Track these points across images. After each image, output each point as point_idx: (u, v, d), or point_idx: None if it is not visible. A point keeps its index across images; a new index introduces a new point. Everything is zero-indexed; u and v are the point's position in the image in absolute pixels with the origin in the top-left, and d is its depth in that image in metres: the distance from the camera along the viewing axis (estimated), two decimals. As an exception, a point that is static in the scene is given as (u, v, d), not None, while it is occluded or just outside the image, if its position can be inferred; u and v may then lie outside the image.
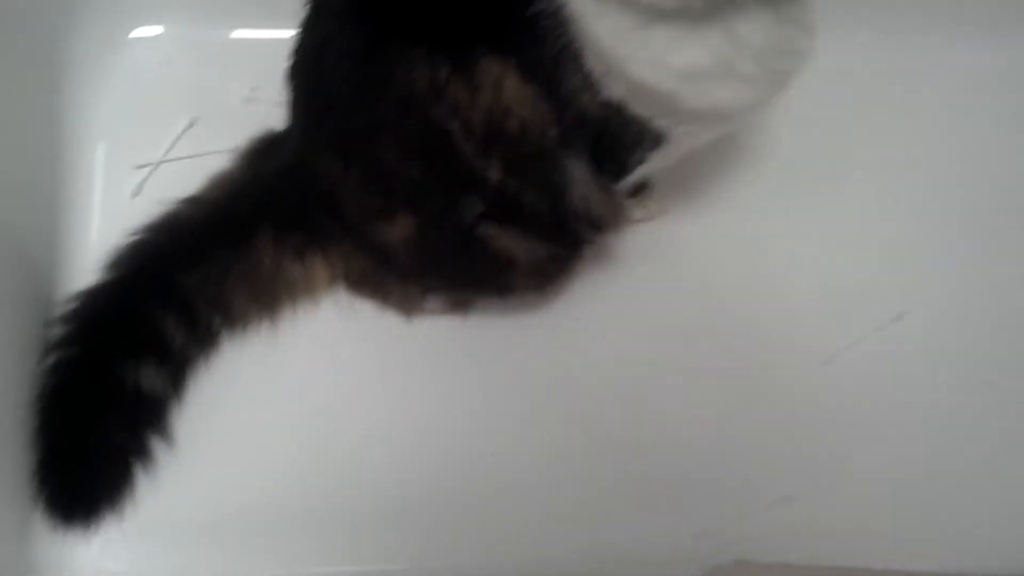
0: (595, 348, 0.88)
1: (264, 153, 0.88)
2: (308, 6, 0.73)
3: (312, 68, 0.74)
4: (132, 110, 0.94)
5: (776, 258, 0.91)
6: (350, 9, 0.69)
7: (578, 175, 0.72)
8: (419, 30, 0.66)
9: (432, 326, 0.88)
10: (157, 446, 0.82)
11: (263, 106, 0.89)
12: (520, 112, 0.67)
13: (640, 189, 0.86)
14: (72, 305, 0.81)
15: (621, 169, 0.75)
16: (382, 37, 0.68)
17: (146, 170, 0.91)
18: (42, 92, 0.90)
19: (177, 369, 0.83)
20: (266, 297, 0.86)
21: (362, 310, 0.88)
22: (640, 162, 0.73)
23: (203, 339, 0.84)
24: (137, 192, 0.90)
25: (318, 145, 0.76)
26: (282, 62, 0.81)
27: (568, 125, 0.68)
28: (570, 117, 0.68)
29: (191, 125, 0.93)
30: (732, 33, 0.60)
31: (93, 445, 0.80)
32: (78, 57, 0.92)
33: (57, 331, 0.80)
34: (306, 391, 0.86)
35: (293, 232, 0.84)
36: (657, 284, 0.90)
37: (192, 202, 0.86)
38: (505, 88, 0.66)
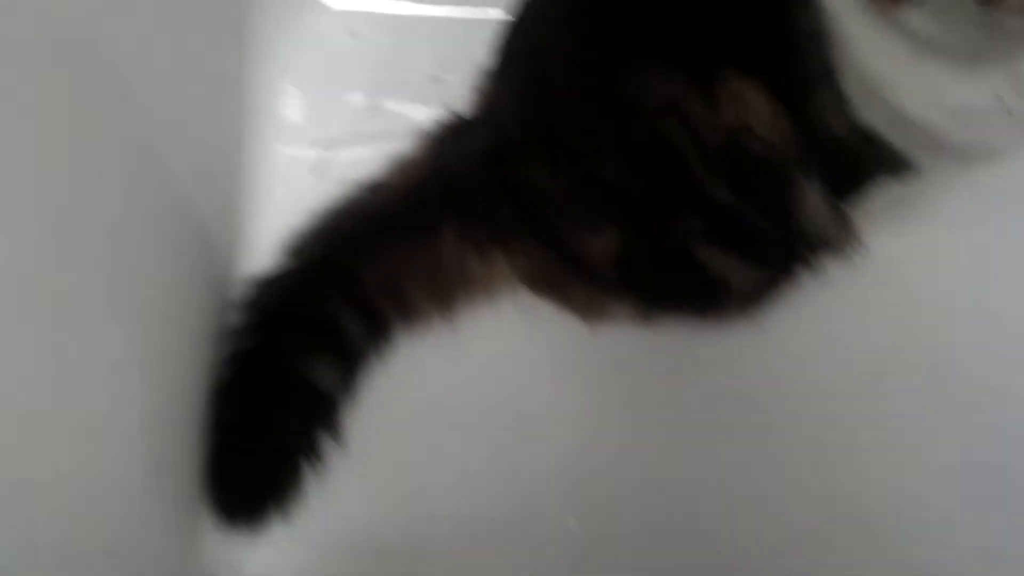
0: (792, 369, 0.87)
1: (451, 139, 0.88)
2: None
3: (530, 59, 0.75)
4: (316, 83, 0.95)
5: (1000, 285, 0.89)
6: (583, 7, 0.70)
7: (810, 195, 0.72)
8: (657, 39, 0.67)
9: (615, 333, 0.87)
10: (328, 447, 0.82)
11: (450, 87, 0.90)
12: (761, 131, 0.67)
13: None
14: (251, 292, 0.84)
15: (855, 190, 0.75)
16: (615, 41, 0.69)
17: (327, 147, 0.94)
18: (229, 57, 0.91)
19: (351, 366, 0.83)
20: (444, 292, 0.86)
21: (541, 311, 0.89)
22: (878, 185, 0.74)
23: (379, 335, 0.84)
24: (317, 170, 0.93)
25: (524, 140, 0.78)
26: (470, 43, 0.83)
27: (810, 146, 0.69)
28: (814, 138, 0.69)
29: (376, 102, 0.95)
30: (1015, 73, 0.60)
31: (265, 444, 0.81)
32: (267, 22, 0.94)
33: (235, 319, 0.84)
34: (480, 395, 0.86)
35: (478, 226, 0.85)
36: (862, 306, 0.89)
37: (375, 188, 0.87)
38: (748, 106, 0.67)
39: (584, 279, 0.85)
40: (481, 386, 0.87)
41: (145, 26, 0.76)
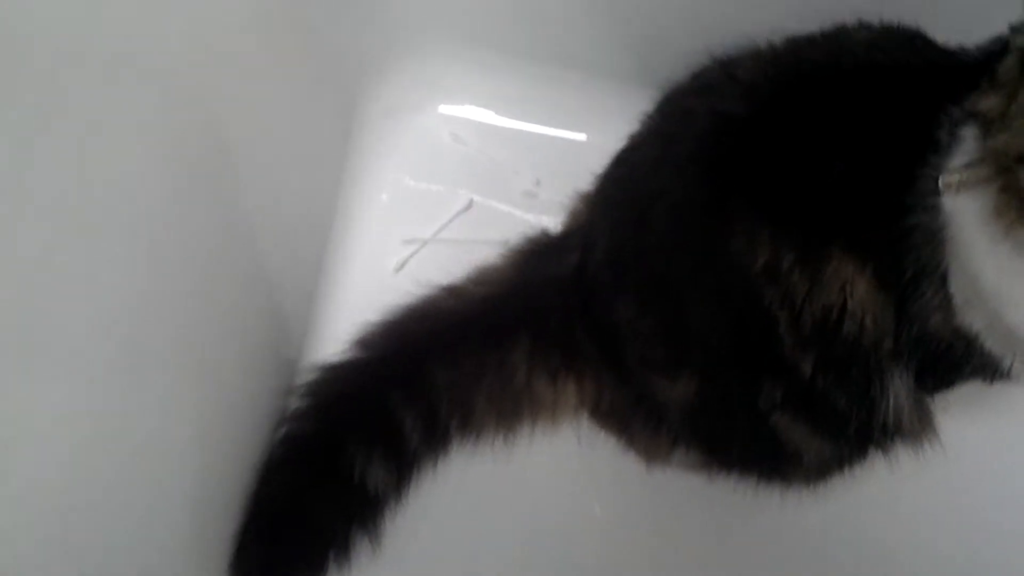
0: (846, 548, 0.86)
1: (537, 256, 0.88)
2: (649, 131, 0.76)
3: (634, 195, 0.76)
4: (413, 183, 0.98)
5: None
6: (700, 158, 0.71)
7: (897, 386, 0.71)
8: (772, 204, 0.67)
9: (673, 479, 0.87)
10: (360, 545, 0.81)
11: (542, 203, 0.92)
12: (861, 317, 0.66)
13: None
14: (315, 377, 0.85)
15: (944, 387, 0.75)
16: (726, 195, 0.69)
17: (413, 246, 0.95)
18: (333, 141, 0.94)
19: (405, 469, 0.83)
20: (509, 411, 0.85)
21: (600, 440, 0.88)
22: (967, 383, 0.73)
23: (437, 442, 0.84)
24: (400, 267, 0.94)
25: (615, 275, 0.78)
26: (565, 162, 0.85)
27: (907, 340, 0.68)
28: (913, 333, 0.68)
29: (468, 208, 0.96)
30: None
31: (298, 529, 0.79)
32: (376, 114, 0.97)
33: (296, 402, 0.84)
34: (529, 518, 0.85)
35: (552, 350, 0.85)
36: (929, 493, 0.88)
37: (454, 293, 0.87)
38: (852, 289, 0.66)
39: (652, 420, 0.84)
40: (528, 508, 0.87)
41: (256, 97, 0.78)
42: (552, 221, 0.88)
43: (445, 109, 1.01)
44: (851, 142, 0.64)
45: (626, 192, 0.75)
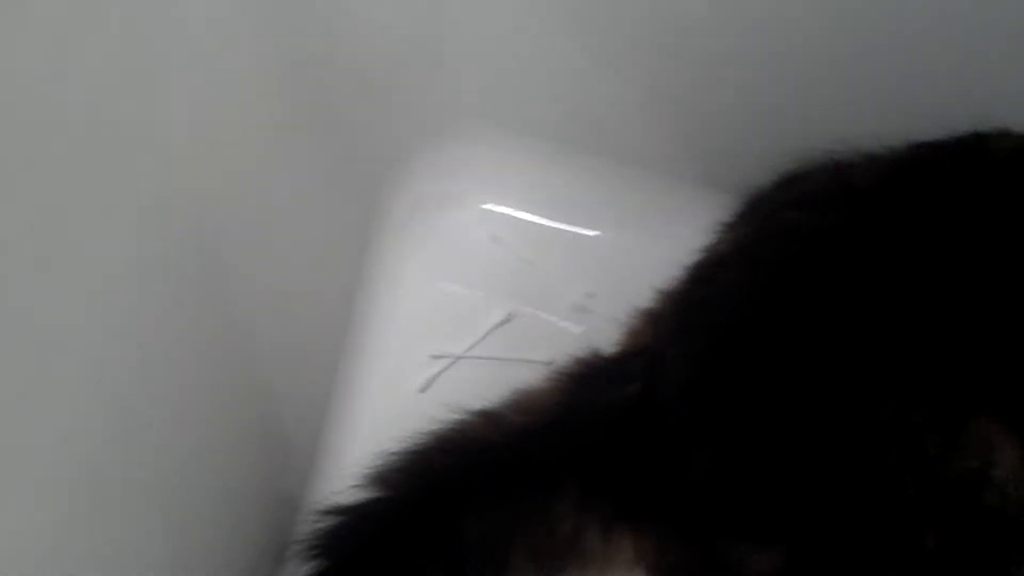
0: None
1: (588, 381, 0.77)
2: (738, 247, 0.67)
3: (720, 326, 0.64)
4: (444, 289, 0.87)
5: None
6: (806, 292, 0.60)
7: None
8: (898, 356, 0.57)
9: None
10: None
11: (595, 319, 0.81)
12: (1003, 483, 0.56)
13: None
14: (326, 522, 0.73)
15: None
16: (837, 344, 0.59)
17: (442, 363, 0.83)
18: (353, 242, 0.84)
19: None
20: (550, 567, 0.73)
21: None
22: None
23: None
24: (426, 387, 0.82)
25: (692, 419, 0.65)
26: (624, 272, 0.78)
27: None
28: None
29: (507, 321, 0.85)
30: None
31: None
32: (401, 214, 0.87)
33: (303, 553, 0.72)
34: None
35: (606, 497, 0.72)
36: None
37: (490, 421, 0.75)
38: (996, 455, 0.56)
39: None
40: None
41: (260, 182, 0.71)
42: (606, 340, 0.76)
43: (484, 205, 0.91)
44: (1002, 285, 0.53)
45: (709, 320, 0.65)
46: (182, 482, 0.63)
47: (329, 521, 0.71)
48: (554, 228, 0.89)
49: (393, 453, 0.74)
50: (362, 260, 0.86)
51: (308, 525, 0.70)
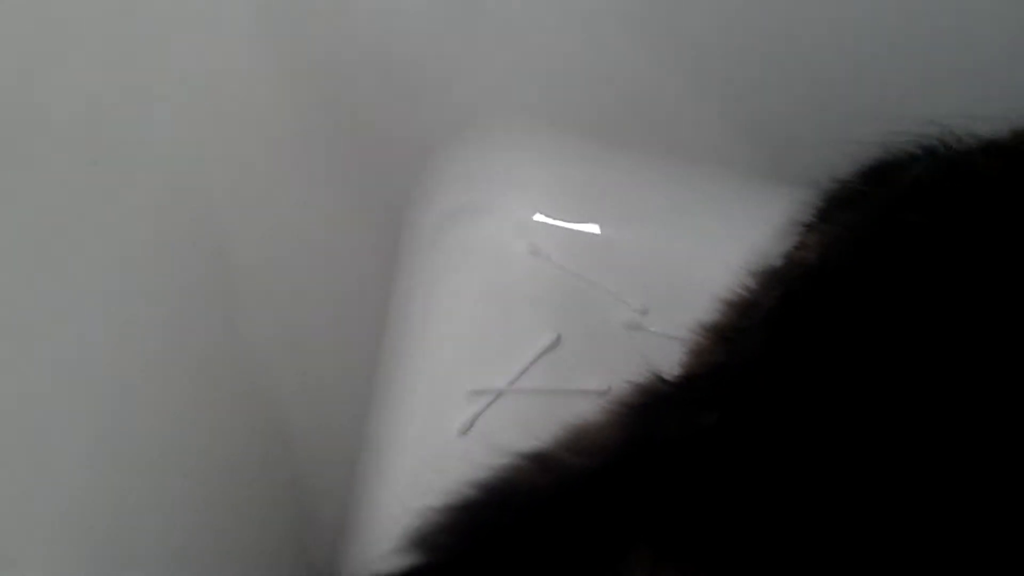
0: None
1: (652, 411, 0.68)
2: (842, 249, 0.58)
3: (847, 342, 0.55)
4: (482, 313, 0.77)
5: None
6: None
7: None
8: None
9: None
10: None
11: (651, 338, 0.73)
12: None
13: None
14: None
15: None
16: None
17: (484, 399, 0.73)
18: (379, 264, 0.76)
19: None
20: None
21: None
22: None
23: None
24: (467, 429, 0.73)
25: (812, 459, 0.56)
26: (682, 283, 0.69)
27: None
28: None
29: (554, 345, 0.75)
30: None
31: None
32: (429, 228, 0.78)
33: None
34: None
35: (686, 554, 0.63)
36: None
37: (542, 464, 0.66)
38: None
39: None
40: None
41: (269, 195, 0.65)
42: (667, 361, 0.67)
43: (521, 213, 0.81)
44: None
45: (822, 343, 0.54)
46: (187, 547, 0.56)
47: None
48: (600, 236, 0.80)
49: (434, 509, 0.64)
50: (389, 284, 0.77)
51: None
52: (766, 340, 0.61)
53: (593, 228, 0.79)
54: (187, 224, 0.56)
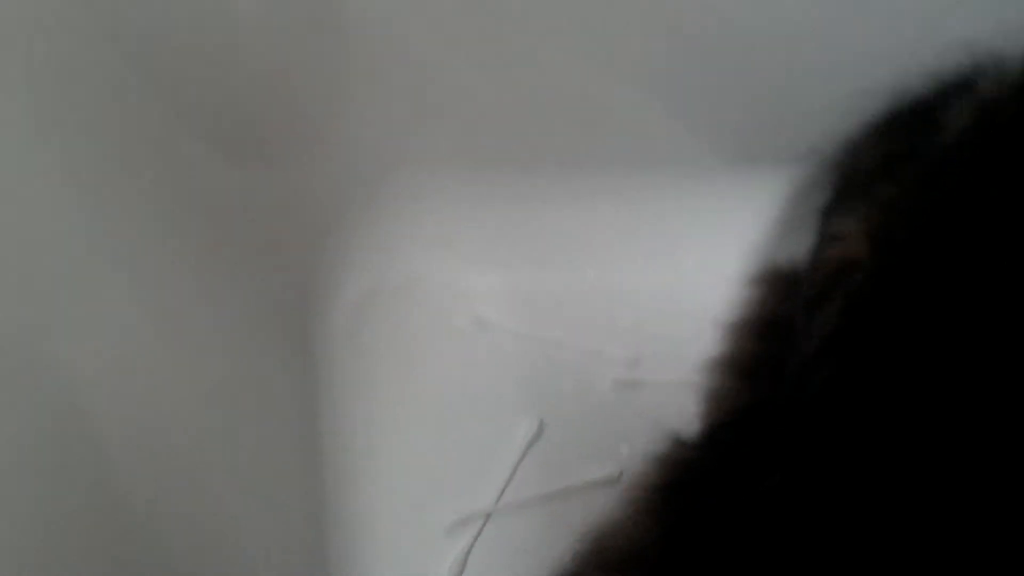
0: None
1: (688, 492, 0.53)
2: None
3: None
4: (435, 418, 0.60)
5: None
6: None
7: None
8: None
9: None
10: None
11: (649, 392, 0.59)
12: None
13: None
14: None
15: None
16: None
17: (468, 531, 0.56)
18: (288, 389, 0.58)
19: None
20: None
21: None
22: None
23: None
24: (459, 570, 0.56)
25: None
26: (672, 319, 0.57)
27: None
28: None
29: (538, 435, 0.59)
30: None
31: None
32: (341, 321, 0.61)
33: None
34: None
35: None
36: None
37: None
38: None
39: None
40: None
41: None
42: (679, 417, 0.53)
43: (455, 278, 0.64)
44: None
45: (914, 355, 0.40)
46: None
47: None
48: (558, 286, 0.64)
49: None
50: (308, 414, 0.58)
51: None
52: (833, 372, 0.46)
53: (547, 278, 0.64)
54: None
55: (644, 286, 0.63)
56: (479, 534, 0.56)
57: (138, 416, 0.47)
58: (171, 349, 0.51)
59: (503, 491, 0.57)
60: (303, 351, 0.60)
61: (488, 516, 0.56)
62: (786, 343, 0.51)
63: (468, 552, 0.55)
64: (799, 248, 0.54)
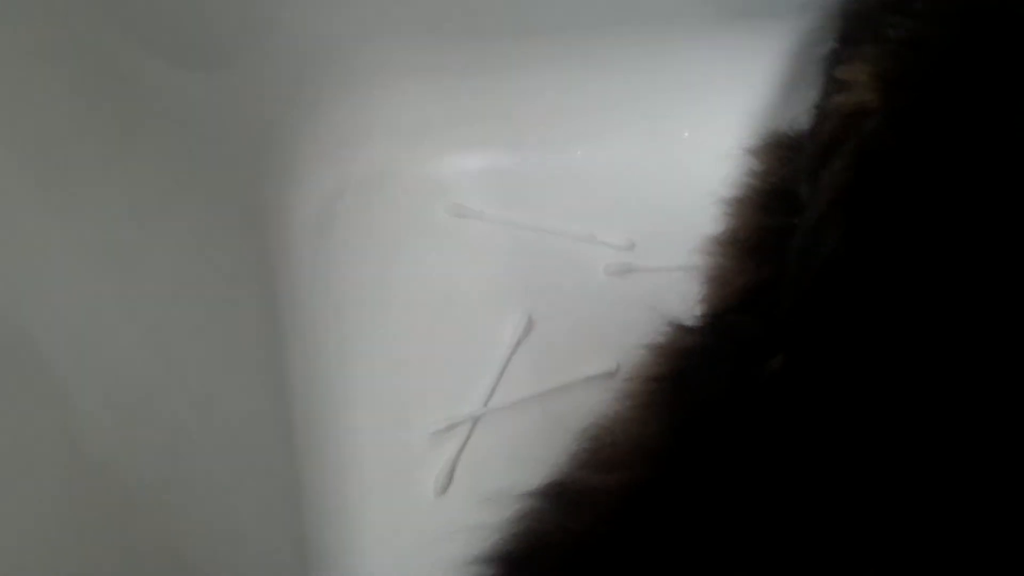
0: None
1: (690, 381, 0.50)
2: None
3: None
4: (417, 319, 0.57)
5: None
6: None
7: None
8: None
9: None
10: None
11: (646, 279, 0.55)
12: None
13: None
14: None
15: None
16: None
17: (454, 439, 0.53)
18: (252, 299, 0.54)
19: None
20: None
21: None
22: None
23: None
24: (444, 486, 0.53)
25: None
26: (669, 198, 0.54)
27: None
28: None
29: (527, 331, 0.55)
30: None
31: None
32: (307, 222, 0.56)
33: None
34: None
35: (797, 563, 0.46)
36: None
37: (570, 500, 0.48)
38: None
39: None
40: None
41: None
42: (680, 303, 0.51)
43: (429, 165, 0.59)
44: None
45: (935, 212, 0.37)
46: None
47: None
48: (541, 167, 0.59)
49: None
50: (276, 323, 0.55)
51: None
52: (845, 233, 0.42)
53: (530, 159, 0.59)
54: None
55: (635, 163, 0.59)
56: (467, 440, 0.53)
57: (92, 341, 0.43)
58: (125, 263, 0.48)
59: (492, 393, 0.53)
60: (269, 256, 0.56)
61: (476, 420, 0.53)
62: (793, 213, 0.47)
63: (456, 459, 0.52)
64: (803, 110, 0.50)
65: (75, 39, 0.46)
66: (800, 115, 0.50)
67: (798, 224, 0.44)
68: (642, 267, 0.56)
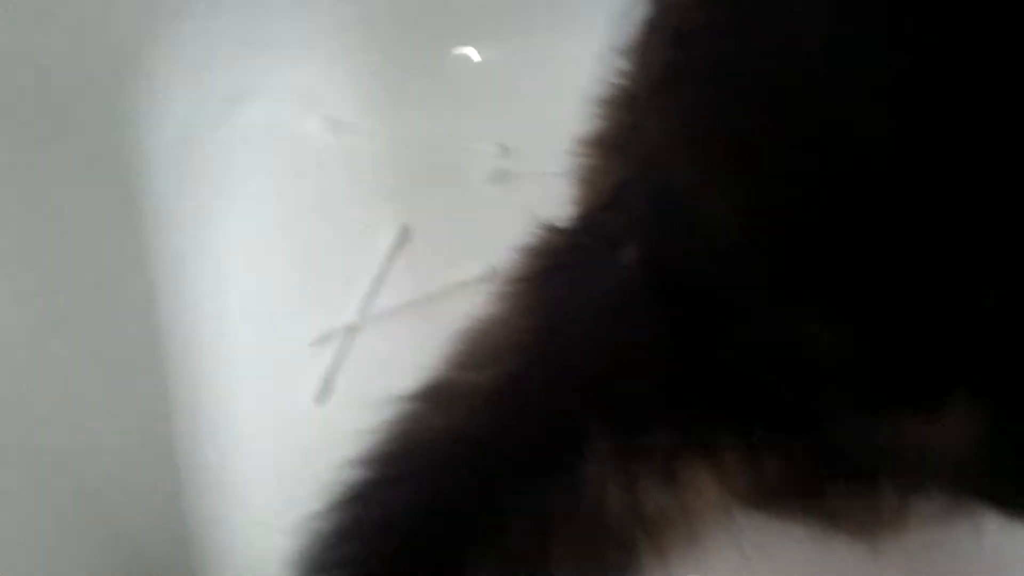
0: None
1: (559, 276, 0.52)
2: None
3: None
4: (294, 232, 0.57)
5: None
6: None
7: None
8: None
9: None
10: None
11: (523, 184, 0.57)
12: None
13: None
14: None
15: None
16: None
17: (330, 347, 0.55)
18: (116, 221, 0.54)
19: None
20: (609, 552, 0.50)
21: (779, 539, 0.54)
22: None
23: None
24: (323, 394, 0.54)
25: (774, 260, 0.40)
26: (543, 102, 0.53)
27: None
28: None
29: (404, 240, 0.57)
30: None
31: None
32: (171, 145, 0.56)
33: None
34: None
35: (653, 431, 0.48)
36: None
37: (443, 398, 0.50)
38: None
39: (868, 476, 0.49)
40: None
41: None
42: (556, 206, 0.52)
43: (294, 78, 0.59)
44: None
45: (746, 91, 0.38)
46: None
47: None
48: (414, 71, 0.60)
49: (321, 516, 0.47)
50: (144, 252, 0.56)
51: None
52: (688, 134, 0.43)
53: (401, 65, 0.60)
54: None
55: (509, 65, 0.59)
56: (343, 348, 0.54)
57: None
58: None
59: (367, 302, 0.55)
60: (131, 185, 0.57)
61: (353, 330, 0.54)
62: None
63: (334, 368, 0.53)
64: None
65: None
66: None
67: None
68: (520, 173, 0.57)
